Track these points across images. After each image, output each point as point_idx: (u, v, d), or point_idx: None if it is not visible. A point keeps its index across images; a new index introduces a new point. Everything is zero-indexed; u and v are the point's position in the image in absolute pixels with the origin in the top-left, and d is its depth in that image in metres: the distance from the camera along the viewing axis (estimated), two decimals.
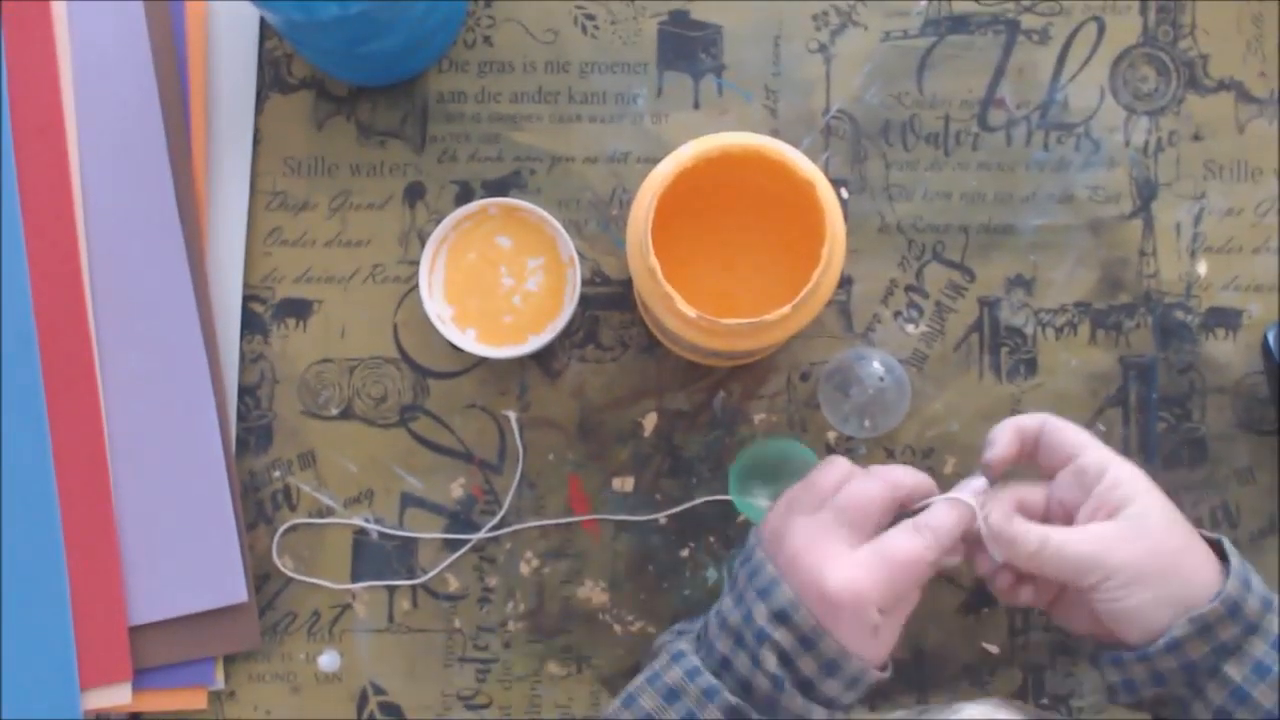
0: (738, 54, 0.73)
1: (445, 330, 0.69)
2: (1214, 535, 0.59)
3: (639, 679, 0.59)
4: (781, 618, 0.56)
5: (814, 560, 0.56)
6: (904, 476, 0.59)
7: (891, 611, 0.56)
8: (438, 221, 0.72)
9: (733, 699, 0.55)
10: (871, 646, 0.56)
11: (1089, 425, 0.72)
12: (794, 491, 0.60)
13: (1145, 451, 0.72)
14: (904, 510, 0.59)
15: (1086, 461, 0.59)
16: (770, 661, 0.55)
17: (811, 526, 0.57)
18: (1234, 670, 0.55)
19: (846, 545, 0.56)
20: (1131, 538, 0.56)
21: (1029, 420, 0.62)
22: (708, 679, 0.56)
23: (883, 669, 0.57)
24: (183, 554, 0.70)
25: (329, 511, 0.72)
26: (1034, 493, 0.61)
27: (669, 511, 0.72)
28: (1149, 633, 0.56)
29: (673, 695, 0.57)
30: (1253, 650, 0.55)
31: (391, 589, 0.72)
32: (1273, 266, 0.72)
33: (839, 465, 0.60)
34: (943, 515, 0.58)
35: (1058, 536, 0.57)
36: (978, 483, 0.60)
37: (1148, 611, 0.56)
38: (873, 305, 0.72)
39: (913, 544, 0.56)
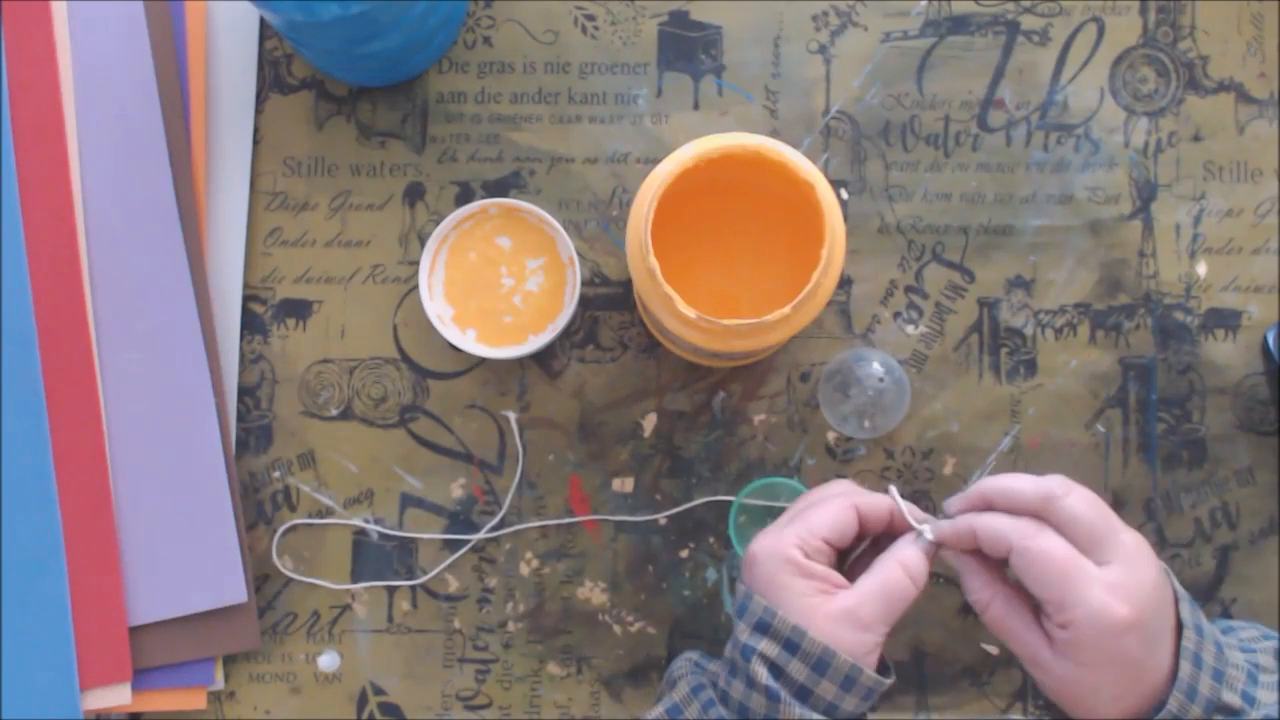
0: (738, 54, 0.73)
1: (445, 330, 0.69)
2: (1182, 616, 0.56)
3: (659, 709, 0.59)
4: (761, 628, 0.56)
5: (772, 544, 0.58)
6: (867, 496, 0.60)
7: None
8: (438, 221, 0.72)
9: None
10: (857, 641, 0.56)
11: (1088, 426, 0.72)
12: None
13: (1145, 452, 0.72)
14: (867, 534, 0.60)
15: (1053, 608, 0.54)
16: (762, 674, 0.55)
17: (771, 529, 0.59)
18: None
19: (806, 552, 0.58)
20: (1057, 678, 0.55)
21: (991, 539, 0.56)
22: (719, 710, 0.57)
23: (884, 674, 0.57)
24: (183, 554, 0.70)
25: (329, 512, 0.72)
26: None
27: (669, 512, 0.72)
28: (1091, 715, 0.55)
29: None
30: None
31: (391, 589, 0.72)
32: (1272, 267, 0.72)
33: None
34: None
35: (998, 613, 0.57)
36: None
37: (1088, 707, 0.55)
38: (872, 306, 0.72)
39: (904, 581, 0.57)
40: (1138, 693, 0.54)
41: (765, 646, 0.55)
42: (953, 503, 0.59)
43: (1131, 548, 0.55)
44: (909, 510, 0.59)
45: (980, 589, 0.57)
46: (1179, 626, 0.56)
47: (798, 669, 0.55)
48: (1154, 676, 0.54)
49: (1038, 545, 0.54)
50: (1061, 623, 0.54)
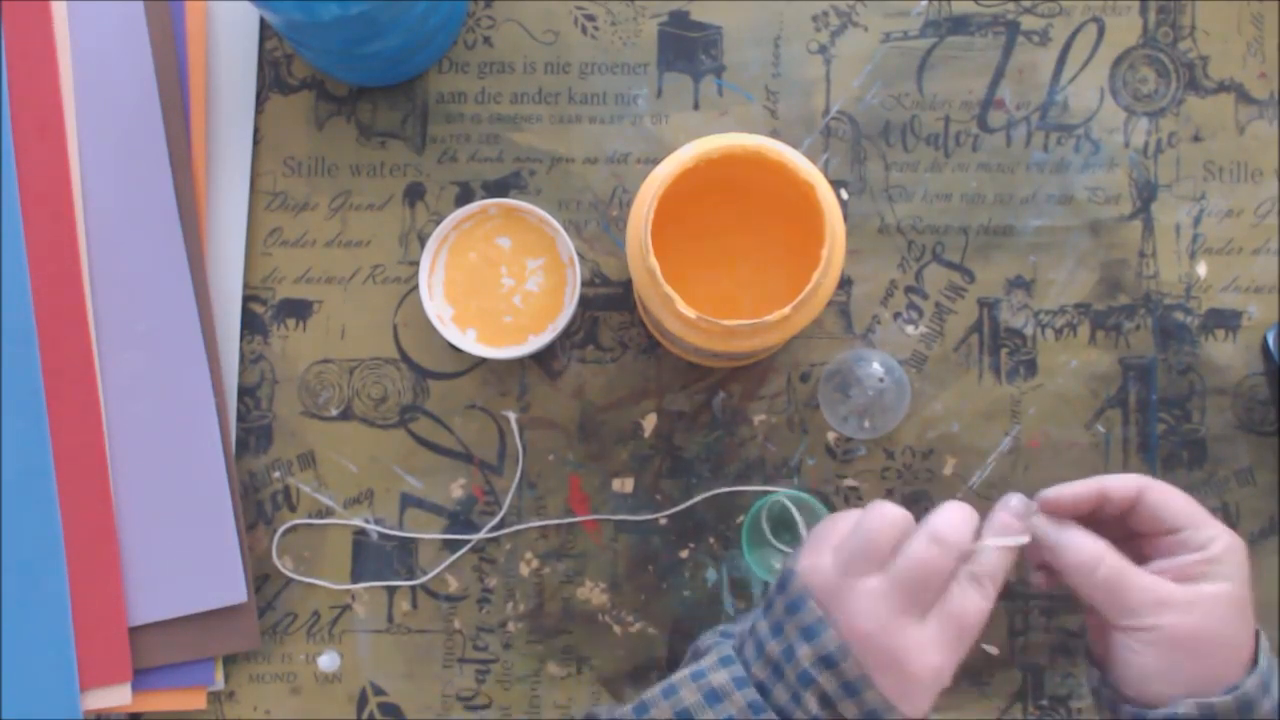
0: (738, 55, 0.73)
1: (445, 330, 0.69)
2: (1256, 627, 0.57)
3: (682, 672, 0.57)
4: (828, 663, 0.54)
5: (890, 642, 0.54)
6: (960, 528, 0.56)
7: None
8: (438, 222, 0.72)
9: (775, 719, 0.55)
10: (927, 704, 0.55)
11: (1089, 426, 0.72)
12: (845, 540, 0.56)
13: (1145, 452, 0.72)
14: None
15: (1190, 535, 0.56)
16: (812, 704, 0.54)
17: (878, 603, 0.55)
18: None
19: (915, 617, 0.54)
20: (1190, 611, 0.55)
21: (1121, 484, 0.58)
22: (753, 693, 0.55)
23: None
24: (183, 554, 0.70)
25: (329, 512, 0.72)
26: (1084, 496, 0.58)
27: (669, 512, 0.72)
28: (1148, 692, 0.55)
29: (715, 697, 0.55)
30: None
31: (391, 589, 0.72)
32: (1273, 268, 0.72)
33: (891, 516, 0.56)
34: (1000, 562, 0.56)
35: (1115, 563, 0.55)
36: (1015, 502, 0.58)
37: (1158, 676, 0.55)
38: (872, 306, 0.72)
39: (982, 604, 0.55)
40: (1240, 647, 0.55)
41: (825, 680, 0.54)
42: (1047, 496, 0.59)
43: None
44: (1003, 523, 0.57)
45: (1086, 542, 0.56)
46: None
47: (849, 709, 0.54)
48: (1219, 669, 0.55)
49: (1165, 485, 0.58)
50: (1200, 543, 0.56)
